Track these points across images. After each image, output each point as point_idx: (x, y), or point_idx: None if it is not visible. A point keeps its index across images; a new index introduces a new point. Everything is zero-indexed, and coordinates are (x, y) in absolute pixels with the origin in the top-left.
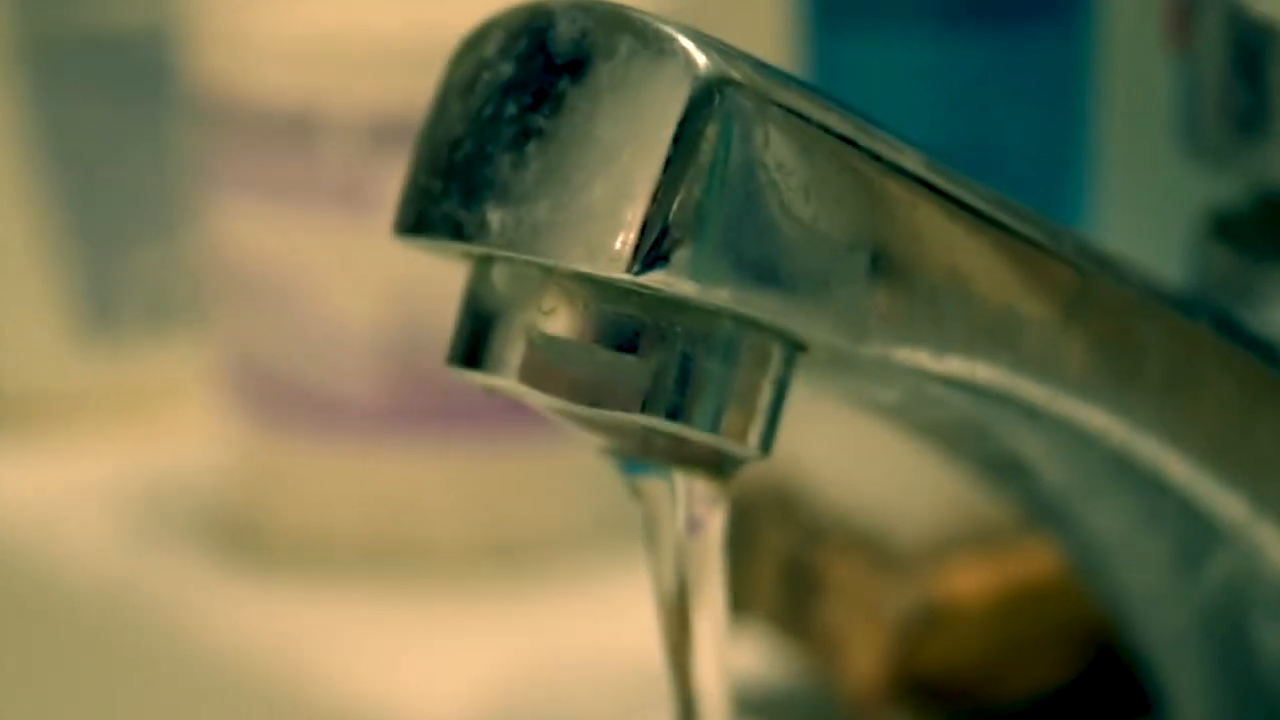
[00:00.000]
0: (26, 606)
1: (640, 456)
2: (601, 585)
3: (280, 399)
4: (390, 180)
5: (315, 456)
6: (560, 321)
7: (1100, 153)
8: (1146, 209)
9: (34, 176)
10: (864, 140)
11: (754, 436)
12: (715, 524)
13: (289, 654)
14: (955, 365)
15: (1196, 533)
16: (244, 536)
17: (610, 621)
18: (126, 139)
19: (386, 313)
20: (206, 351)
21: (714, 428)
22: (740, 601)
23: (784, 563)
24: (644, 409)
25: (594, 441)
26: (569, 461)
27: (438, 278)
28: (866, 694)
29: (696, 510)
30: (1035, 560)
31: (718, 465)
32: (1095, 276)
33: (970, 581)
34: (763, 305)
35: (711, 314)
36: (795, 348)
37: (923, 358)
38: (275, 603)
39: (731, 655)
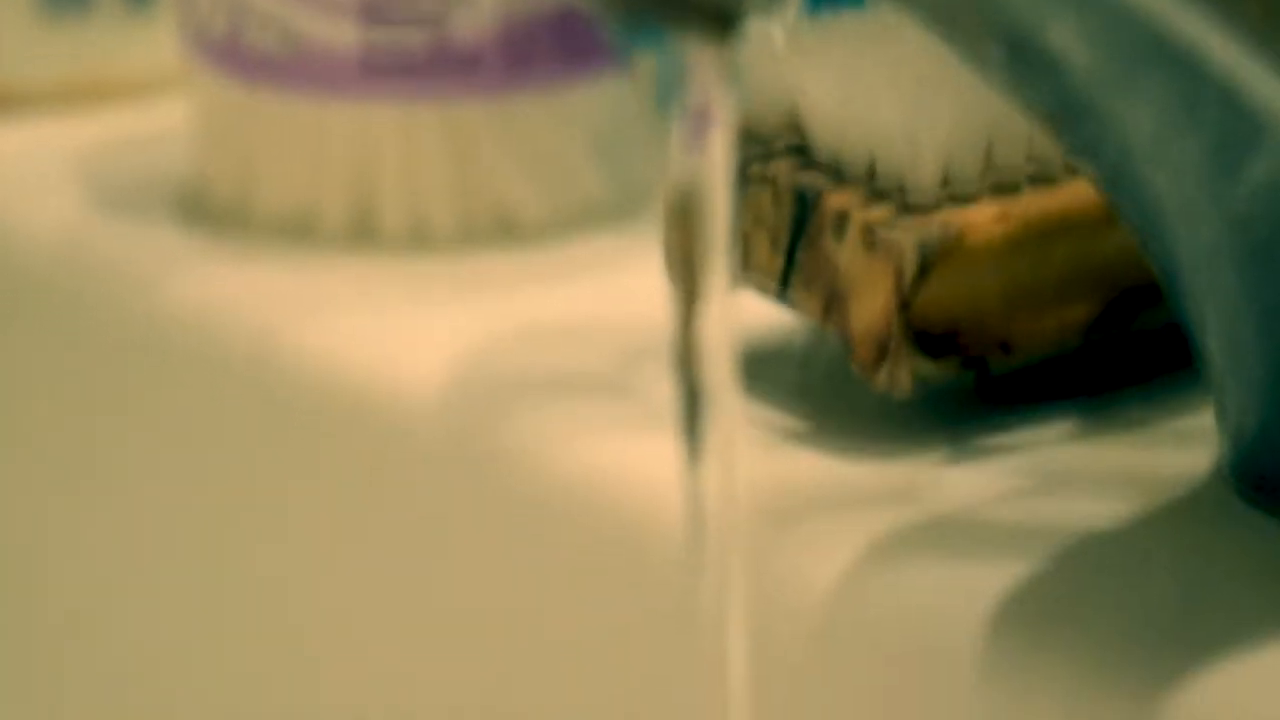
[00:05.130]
0: None
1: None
2: (608, 262)
3: (257, 53)
4: None
5: (297, 115)
6: None
7: None
8: None
9: None
10: None
11: None
12: (722, 124)
13: (262, 318)
14: None
15: (1237, 127)
16: (222, 207)
17: (611, 294)
18: None
19: None
20: (179, 16)
21: None
22: (743, 247)
23: (789, 204)
24: None
25: None
26: (575, 122)
27: None
28: (875, 339)
29: (702, 97)
30: (1056, 198)
31: (723, 15)
32: None
33: (985, 217)
34: None
35: None
36: None
37: None
38: (252, 272)
39: (736, 301)
